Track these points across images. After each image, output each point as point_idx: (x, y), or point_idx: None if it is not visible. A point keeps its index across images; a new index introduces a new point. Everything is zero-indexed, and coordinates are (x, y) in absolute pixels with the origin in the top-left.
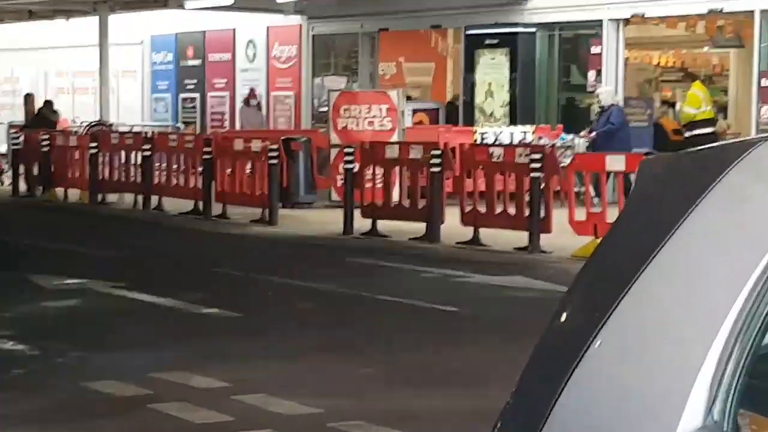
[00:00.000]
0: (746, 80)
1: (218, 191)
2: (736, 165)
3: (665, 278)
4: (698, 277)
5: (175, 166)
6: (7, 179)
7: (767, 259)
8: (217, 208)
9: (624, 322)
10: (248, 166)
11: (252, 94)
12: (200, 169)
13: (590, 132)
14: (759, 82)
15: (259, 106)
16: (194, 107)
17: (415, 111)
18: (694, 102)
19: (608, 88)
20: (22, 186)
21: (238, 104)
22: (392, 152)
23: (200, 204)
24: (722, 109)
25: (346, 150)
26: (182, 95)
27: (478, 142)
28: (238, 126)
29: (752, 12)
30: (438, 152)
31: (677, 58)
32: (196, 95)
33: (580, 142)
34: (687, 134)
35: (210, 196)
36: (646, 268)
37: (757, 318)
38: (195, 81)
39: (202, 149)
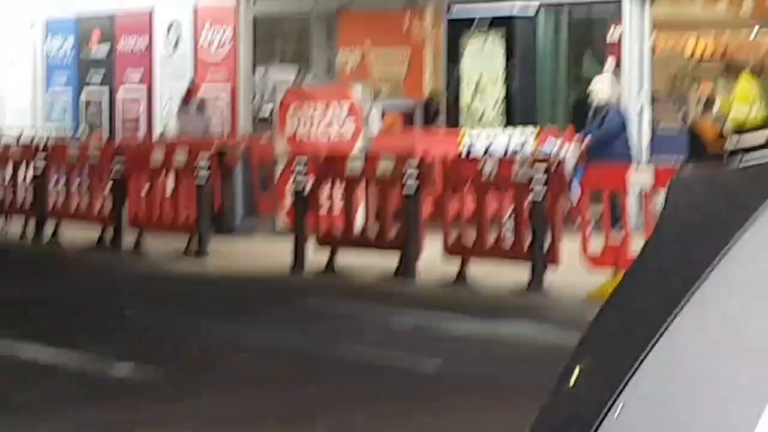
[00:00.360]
0: None
1: (132, 216)
2: None
3: (703, 328)
4: (745, 329)
5: (76, 184)
6: None
7: None
8: (130, 238)
9: (651, 383)
10: (171, 183)
11: (192, 91)
12: (109, 187)
13: (583, 137)
14: None
15: (201, 106)
16: (100, 107)
17: (384, 112)
18: (745, 98)
19: (602, 82)
20: None
21: (158, 103)
22: (355, 166)
23: (109, 232)
24: None
25: (297, 162)
26: (85, 92)
27: (466, 151)
28: (172, 132)
29: None
30: (414, 165)
31: (717, 45)
32: (103, 91)
33: (571, 149)
34: (732, 147)
35: (121, 222)
36: (679, 314)
37: None
38: (101, 74)
39: (111, 162)
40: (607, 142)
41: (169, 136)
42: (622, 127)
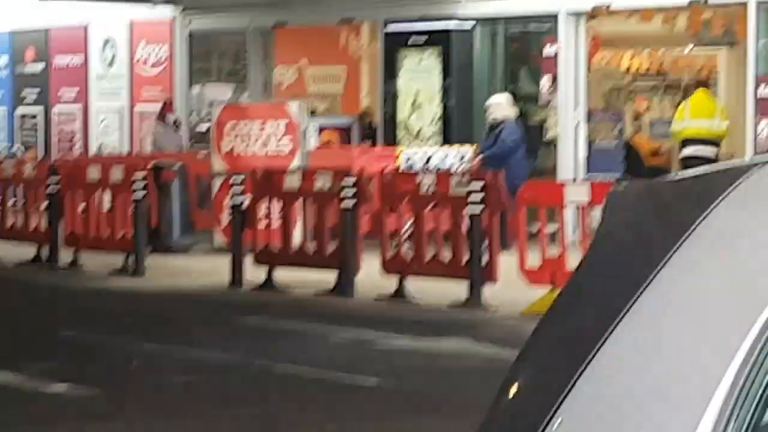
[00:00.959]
0: (739, 87)
1: (68, 233)
2: (726, 197)
3: (640, 342)
4: (680, 341)
5: (11, 202)
6: None
7: (766, 315)
8: (66, 255)
9: (588, 396)
10: (107, 200)
11: (167, 107)
12: (44, 205)
13: (479, 154)
14: (756, 90)
15: (177, 123)
16: (35, 125)
17: (321, 128)
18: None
19: (500, 99)
20: None
21: (94, 120)
22: (292, 182)
23: (44, 250)
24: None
25: (234, 180)
26: (20, 110)
27: (403, 167)
28: (148, 149)
29: (745, 2)
30: (351, 181)
31: (653, 61)
32: (38, 109)
33: (466, 166)
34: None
35: (57, 239)
36: (616, 328)
37: (753, 392)
38: (36, 91)
39: (46, 180)
40: (503, 158)
41: (105, 153)
42: (519, 142)
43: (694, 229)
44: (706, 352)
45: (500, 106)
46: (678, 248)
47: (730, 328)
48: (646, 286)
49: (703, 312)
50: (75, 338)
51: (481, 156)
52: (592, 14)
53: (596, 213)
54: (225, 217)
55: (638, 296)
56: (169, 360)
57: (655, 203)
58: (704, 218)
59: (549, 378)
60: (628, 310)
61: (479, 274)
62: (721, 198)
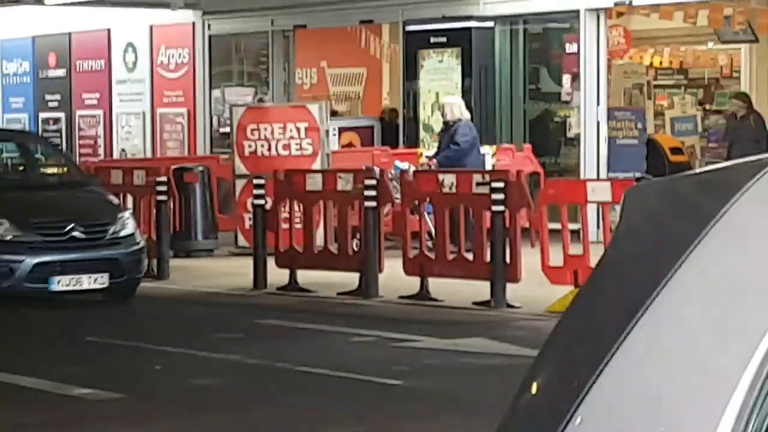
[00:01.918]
0: (762, 83)
1: None
2: (747, 191)
3: (660, 339)
4: (700, 338)
5: None
6: None
7: None
8: None
9: (608, 394)
10: (129, 204)
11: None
12: None
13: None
14: None
15: None
16: (58, 130)
17: (342, 130)
18: None
19: (454, 100)
20: None
21: (116, 124)
22: (314, 183)
23: None
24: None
25: (256, 182)
26: (43, 115)
27: (424, 167)
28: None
29: None
30: (373, 182)
31: (674, 57)
32: (61, 115)
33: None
34: None
35: None
36: (636, 325)
37: None
38: (59, 97)
39: None
40: (458, 159)
41: (128, 156)
42: (473, 143)
43: (715, 223)
44: (727, 349)
45: (454, 106)
46: (698, 243)
47: (752, 325)
48: (666, 283)
49: (723, 309)
50: (99, 343)
51: (435, 158)
52: (613, 11)
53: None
54: (247, 220)
55: (658, 293)
56: (193, 362)
57: (675, 199)
58: (725, 212)
59: (569, 376)
60: (647, 308)
61: (502, 274)
62: (742, 192)
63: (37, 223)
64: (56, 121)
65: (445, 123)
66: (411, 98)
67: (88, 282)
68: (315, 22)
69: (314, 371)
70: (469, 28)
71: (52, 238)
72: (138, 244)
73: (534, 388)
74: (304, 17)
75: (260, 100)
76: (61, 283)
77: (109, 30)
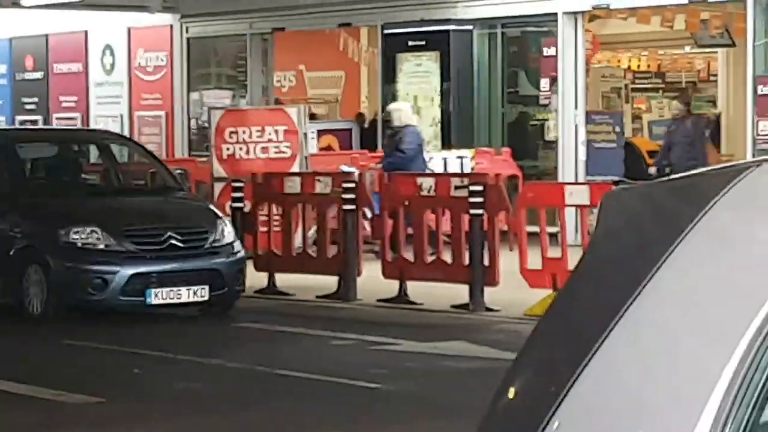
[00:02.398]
0: (738, 87)
1: None
2: (722, 197)
3: (638, 343)
4: (678, 341)
5: None
6: None
7: (763, 315)
8: None
9: (586, 398)
10: None
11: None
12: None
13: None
14: (754, 90)
15: None
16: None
17: (321, 133)
18: None
19: (400, 106)
20: None
21: (95, 126)
22: (293, 186)
23: None
24: (710, 124)
25: (234, 184)
26: (20, 117)
27: (369, 172)
28: None
29: (743, 1)
30: (351, 185)
31: (652, 61)
32: (38, 118)
33: (369, 175)
34: None
35: None
36: (613, 328)
37: (751, 391)
38: (36, 99)
39: None
40: (403, 165)
41: None
42: (418, 149)
43: (691, 229)
44: (704, 352)
45: (400, 112)
46: (675, 248)
47: (728, 328)
48: (644, 287)
49: (700, 312)
50: (78, 347)
51: (381, 164)
52: (592, 15)
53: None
54: None
55: (636, 297)
56: (171, 366)
57: (652, 204)
58: (701, 218)
59: (547, 380)
60: (625, 312)
61: (480, 277)
62: (717, 198)
63: (131, 230)
64: (33, 123)
65: (392, 129)
66: (389, 101)
67: (188, 295)
68: (293, 24)
69: (294, 374)
70: (447, 32)
71: (148, 247)
72: (239, 253)
73: (512, 393)
74: (283, 20)
75: (234, 105)
76: (159, 296)
77: (86, 32)
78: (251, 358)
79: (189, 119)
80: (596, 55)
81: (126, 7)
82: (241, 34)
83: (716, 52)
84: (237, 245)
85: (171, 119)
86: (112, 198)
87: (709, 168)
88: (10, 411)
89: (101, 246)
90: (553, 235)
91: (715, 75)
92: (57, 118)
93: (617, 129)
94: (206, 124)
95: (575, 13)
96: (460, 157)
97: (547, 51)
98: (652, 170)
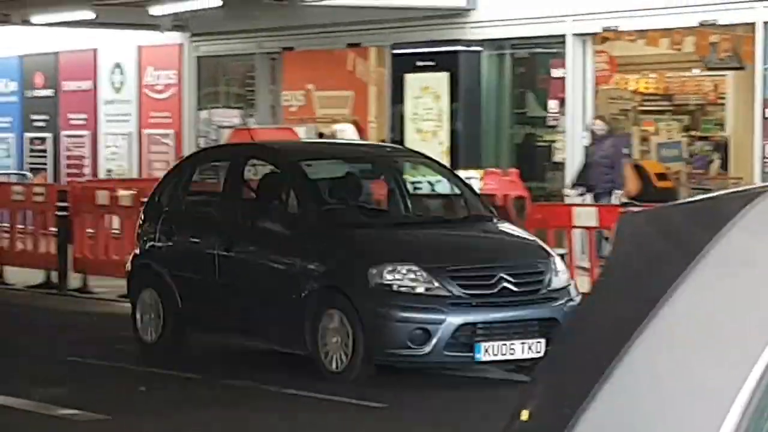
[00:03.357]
0: (747, 110)
1: (77, 257)
2: (737, 222)
3: (650, 367)
4: (692, 365)
5: (21, 226)
6: None
7: None
8: (76, 280)
9: (600, 420)
10: (116, 224)
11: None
12: (53, 229)
13: None
14: (763, 113)
15: None
16: (45, 150)
17: None
18: None
19: (344, 128)
20: None
21: (102, 144)
22: None
23: (54, 274)
24: (718, 147)
25: None
26: (29, 135)
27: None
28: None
29: (753, 24)
30: None
31: (660, 83)
32: (48, 135)
33: None
34: None
35: (66, 264)
36: (628, 351)
37: (766, 414)
38: (46, 116)
39: (55, 204)
40: None
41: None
42: None
43: (706, 252)
44: (719, 375)
45: (344, 133)
46: (690, 272)
47: (742, 351)
48: (658, 311)
49: (715, 335)
50: (84, 363)
51: None
52: (600, 37)
53: (604, 235)
54: None
55: (649, 321)
56: (179, 385)
57: (667, 227)
58: (716, 242)
59: (560, 403)
60: (639, 335)
61: None
62: (732, 222)
63: (457, 270)
64: (42, 141)
65: None
66: (397, 122)
67: (522, 350)
68: (302, 44)
69: (303, 391)
70: (456, 52)
71: (477, 291)
72: (575, 299)
73: (525, 415)
74: (292, 40)
75: (244, 124)
76: (490, 352)
77: (96, 50)
78: (263, 373)
79: (197, 138)
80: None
81: (136, 26)
82: (250, 53)
83: (725, 75)
84: (573, 289)
85: (179, 138)
86: (423, 229)
87: (725, 191)
88: None
89: (421, 289)
90: (560, 256)
91: (724, 97)
92: (66, 136)
93: (625, 150)
94: (215, 143)
95: (584, 35)
96: (468, 178)
97: (556, 72)
98: (569, 191)
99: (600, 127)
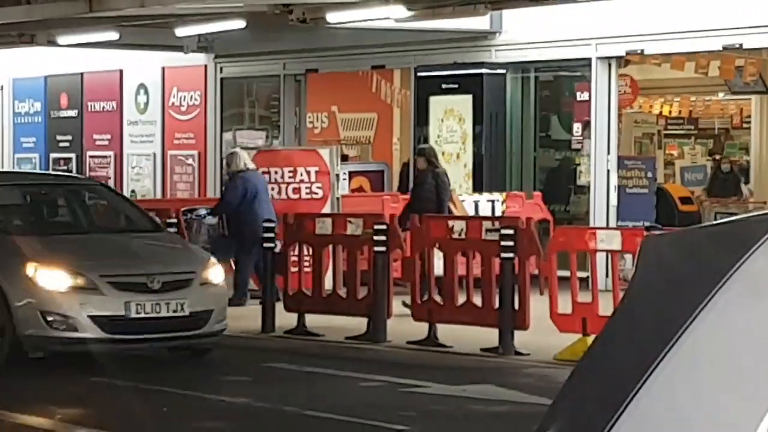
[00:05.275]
0: None
1: None
2: (761, 246)
3: (672, 394)
4: (714, 392)
5: None
6: None
7: None
8: None
9: None
10: None
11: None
12: None
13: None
14: None
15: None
16: (69, 170)
17: (352, 174)
18: None
19: (238, 150)
20: None
21: (128, 165)
22: (324, 227)
23: None
24: (743, 171)
25: (265, 225)
26: (54, 155)
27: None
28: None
29: None
30: (383, 226)
31: (685, 107)
32: (72, 155)
33: (208, 218)
34: None
35: None
36: (649, 377)
37: None
38: (70, 137)
39: None
40: (226, 212)
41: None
42: (240, 196)
43: (730, 276)
44: (739, 407)
45: (233, 157)
46: (713, 297)
47: (764, 382)
48: (680, 336)
49: (737, 364)
50: (105, 384)
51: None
52: (625, 60)
53: (628, 259)
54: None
55: (672, 346)
56: (201, 405)
57: (690, 251)
58: (740, 266)
59: (581, 428)
60: (661, 361)
61: (510, 320)
62: (756, 246)
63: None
64: (67, 161)
65: (228, 175)
66: (421, 143)
67: None
68: (326, 66)
69: (322, 415)
70: (480, 75)
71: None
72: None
73: None
74: (316, 62)
75: (267, 146)
76: None
77: (121, 71)
78: (279, 398)
79: (222, 159)
80: (636, 100)
81: (161, 47)
82: (274, 74)
83: (749, 99)
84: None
85: (204, 159)
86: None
87: (748, 215)
88: None
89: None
90: (583, 280)
91: (749, 121)
92: (91, 156)
93: (649, 174)
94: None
95: (609, 58)
96: (492, 201)
97: (581, 96)
98: None
99: (421, 162)
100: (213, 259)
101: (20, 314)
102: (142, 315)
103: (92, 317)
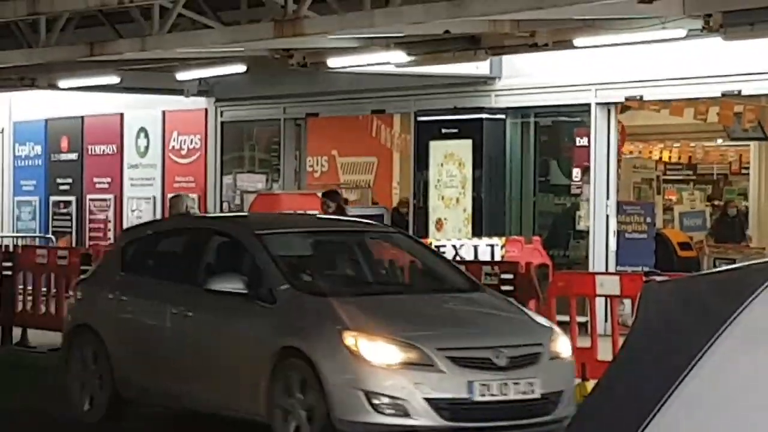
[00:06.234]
0: None
1: None
2: (761, 294)
3: None
4: None
5: (44, 289)
6: None
7: None
8: None
9: None
10: None
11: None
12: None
13: None
14: None
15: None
16: (69, 214)
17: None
18: None
19: (181, 194)
20: None
21: (126, 208)
22: None
23: None
24: (744, 216)
25: None
26: (54, 198)
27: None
28: None
29: None
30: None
31: (684, 153)
32: (72, 198)
33: None
34: None
35: None
36: (650, 424)
37: None
38: (70, 180)
39: (79, 267)
40: None
41: None
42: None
43: (729, 324)
44: None
45: (177, 199)
46: (712, 344)
47: (763, 429)
48: (681, 380)
49: (738, 407)
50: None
51: None
52: (624, 106)
53: (627, 304)
54: None
55: (673, 390)
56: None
57: (691, 298)
58: (739, 314)
59: None
60: (663, 405)
61: None
62: (756, 294)
63: None
64: (67, 204)
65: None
66: (421, 188)
67: None
68: (326, 110)
69: None
70: (480, 120)
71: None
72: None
73: None
74: (316, 106)
75: (267, 189)
76: None
77: (122, 114)
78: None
79: (222, 202)
80: (624, 145)
81: (161, 91)
82: (274, 118)
83: (748, 145)
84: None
85: (204, 202)
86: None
87: (747, 263)
88: None
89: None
90: (582, 325)
91: (747, 167)
92: (91, 199)
93: (648, 220)
94: (239, 208)
95: (608, 104)
96: (491, 245)
97: (580, 141)
98: None
99: (328, 204)
100: (557, 329)
101: (336, 395)
102: (487, 398)
103: (429, 400)
